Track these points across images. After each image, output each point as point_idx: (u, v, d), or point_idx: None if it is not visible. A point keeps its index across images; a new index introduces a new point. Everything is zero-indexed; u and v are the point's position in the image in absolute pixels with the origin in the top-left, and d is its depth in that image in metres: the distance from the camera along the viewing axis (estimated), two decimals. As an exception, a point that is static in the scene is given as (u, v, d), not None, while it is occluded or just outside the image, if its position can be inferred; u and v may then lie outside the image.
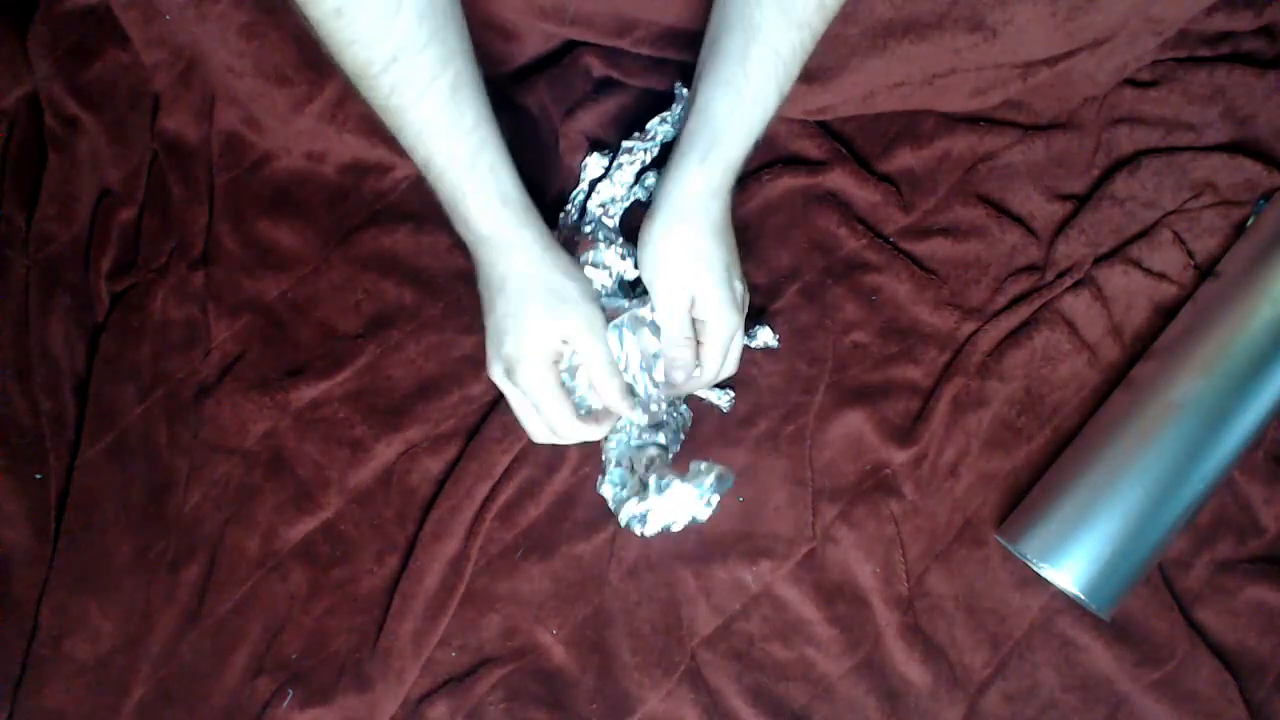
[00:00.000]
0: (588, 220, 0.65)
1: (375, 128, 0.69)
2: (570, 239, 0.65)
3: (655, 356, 0.60)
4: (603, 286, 0.62)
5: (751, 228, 0.68)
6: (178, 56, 0.71)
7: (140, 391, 0.66)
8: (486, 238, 0.57)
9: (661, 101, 0.71)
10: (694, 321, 0.59)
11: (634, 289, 0.64)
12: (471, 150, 0.55)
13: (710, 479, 0.54)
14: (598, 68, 0.71)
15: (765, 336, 0.65)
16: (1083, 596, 0.57)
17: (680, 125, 0.60)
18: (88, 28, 0.71)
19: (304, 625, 0.61)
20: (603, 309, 0.59)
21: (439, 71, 0.53)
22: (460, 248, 0.68)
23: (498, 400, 0.65)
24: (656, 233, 0.58)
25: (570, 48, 0.73)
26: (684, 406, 0.63)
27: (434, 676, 0.60)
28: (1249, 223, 0.66)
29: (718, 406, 0.64)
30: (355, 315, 0.68)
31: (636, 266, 0.61)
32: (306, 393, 0.65)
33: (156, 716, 0.59)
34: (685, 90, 0.66)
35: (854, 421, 0.64)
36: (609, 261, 0.62)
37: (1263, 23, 0.71)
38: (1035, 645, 0.60)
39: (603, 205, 0.66)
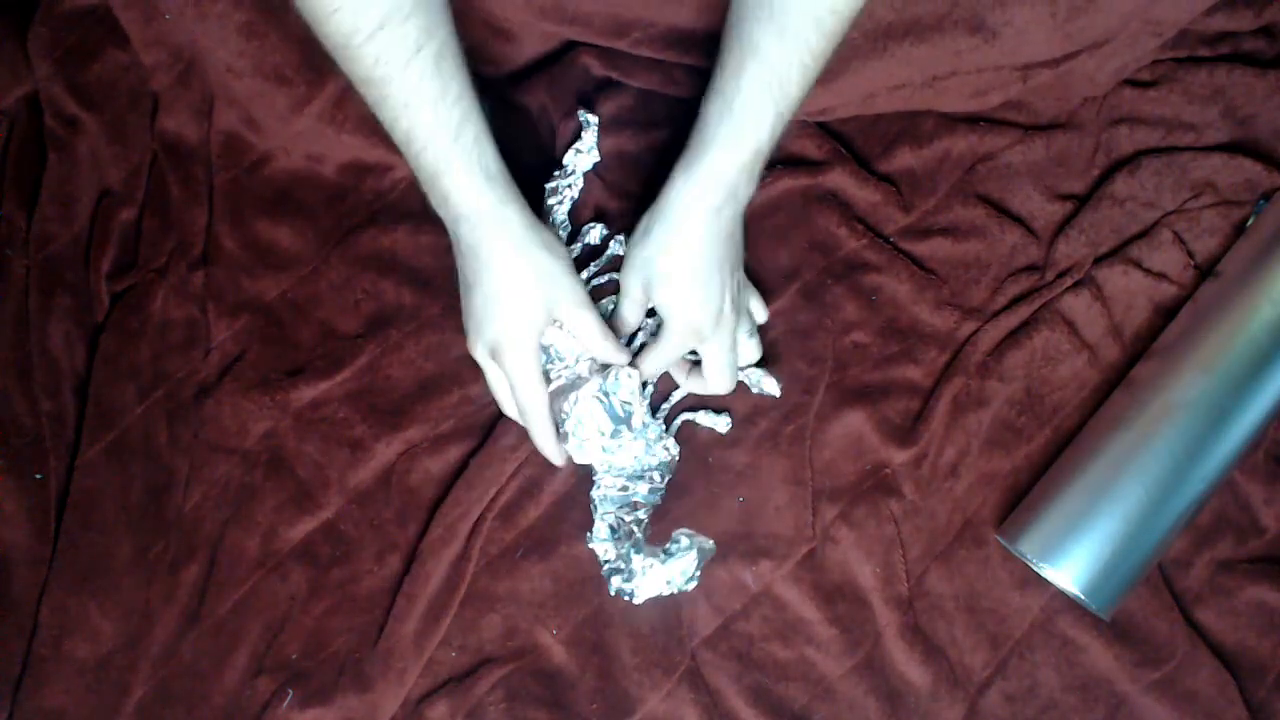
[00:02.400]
0: None
1: (375, 128, 0.68)
2: None
3: (627, 406, 0.60)
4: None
5: (751, 228, 0.68)
6: (177, 57, 0.71)
7: (140, 391, 0.65)
8: (467, 216, 0.57)
9: (661, 102, 0.71)
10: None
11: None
12: (456, 122, 0.55)
13: (692, 555, 0.58)
14: (597, 68, 0.71)
15: (770, 386, 0.64)
16: (1082, 596, 0.57)
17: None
18: (88, 28, 0.71)
19: (304, 625, 0.61)
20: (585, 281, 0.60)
21: (424, 41, 0.52)
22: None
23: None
24: (640, 242, 0.59)
25: (569, 48, 0.73)
26: (669, 440, 0.62)
27: (434, 676, 0.60)
28: (1249, 223, 0.66)
29: (713, 429, 0.64)
30: (355, 315, 0.68)
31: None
32: (306, 393, 0.65)
33: (156, 716, 0.59)
34: (590, 117, 0.68)
35: (854, 421, 0.64)
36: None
37: (1263, 23, 0.71)
38: (1035, 645, 0.60)
39: None
